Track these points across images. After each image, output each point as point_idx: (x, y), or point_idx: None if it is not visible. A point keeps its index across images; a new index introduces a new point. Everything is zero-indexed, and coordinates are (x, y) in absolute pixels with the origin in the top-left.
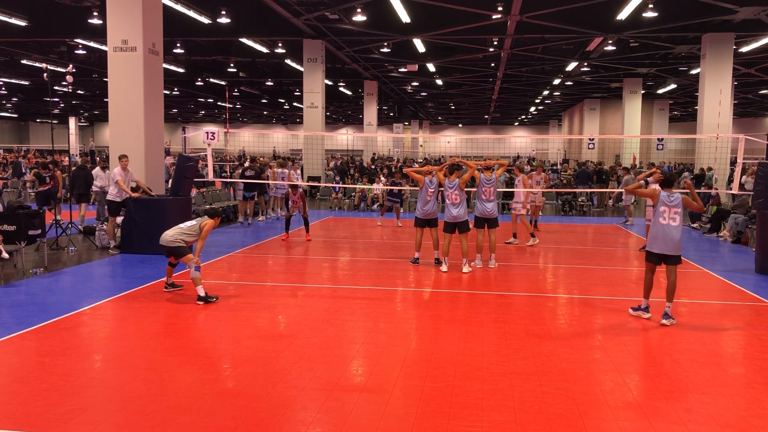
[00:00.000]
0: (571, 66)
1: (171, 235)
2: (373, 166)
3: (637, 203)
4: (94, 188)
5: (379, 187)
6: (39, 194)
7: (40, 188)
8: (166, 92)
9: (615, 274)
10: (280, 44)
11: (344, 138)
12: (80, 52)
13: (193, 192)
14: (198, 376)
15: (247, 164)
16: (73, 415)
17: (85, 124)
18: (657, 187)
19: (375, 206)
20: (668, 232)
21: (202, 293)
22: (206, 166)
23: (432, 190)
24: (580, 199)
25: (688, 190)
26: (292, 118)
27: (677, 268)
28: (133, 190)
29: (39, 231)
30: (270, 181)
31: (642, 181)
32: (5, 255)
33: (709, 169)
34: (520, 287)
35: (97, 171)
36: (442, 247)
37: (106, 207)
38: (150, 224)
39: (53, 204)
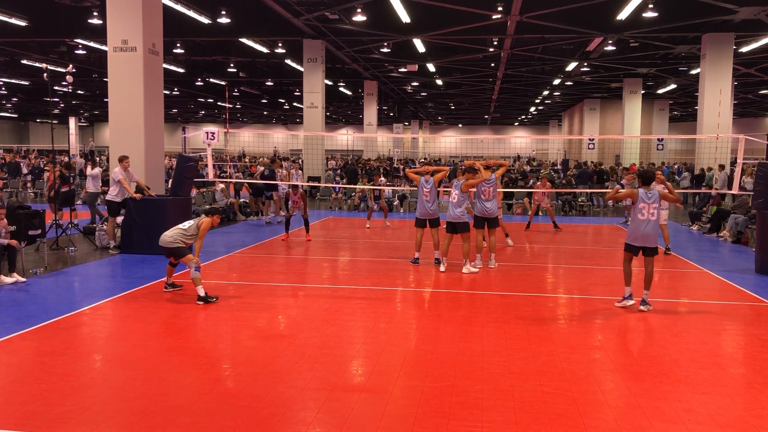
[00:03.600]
0: (571, 66)
1: (170, 235)
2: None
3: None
4: (89, 189)
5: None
6: (65, 194)
7: (63, 188)
8: (166, 92)
9: (615, 274)
10: (280, 44)
11: (344, 138)
12: (80, 52)
13: (193, 192)
14: (198, 376)
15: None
16: (73, 415)
17: (85, 124)
18: (634, 186)
19: (375, 206)
20: (647, 227)
21: (202, 293)
22: (206, 166)
23: (428, 190)
24: (580, 199)
25: (666, 188)
26: (292, 118)
27: (653, 258)
28: (135, 190)
29: (39, 231)
30: (266, 182)
31: (617, 185)
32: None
33: (709, 169)
34: (520, 287)
35: (96, 171)
36: (441, 247)
37: (104, 208)
38: (150, 224)
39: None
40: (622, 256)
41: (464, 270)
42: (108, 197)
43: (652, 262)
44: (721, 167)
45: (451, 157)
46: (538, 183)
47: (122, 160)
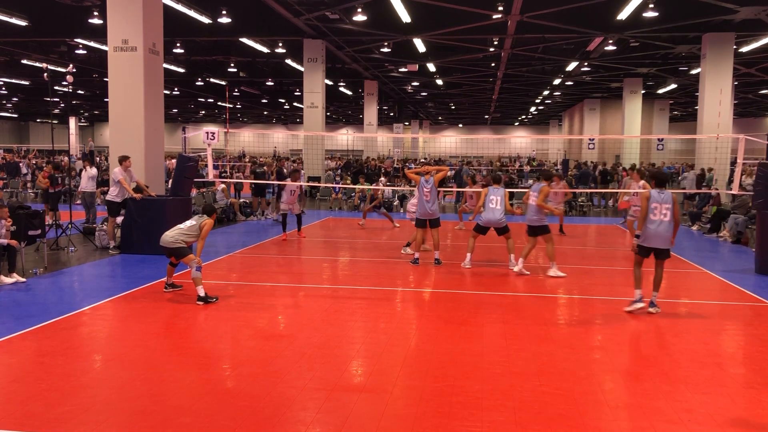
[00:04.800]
0: (571, 66)
1: (171, 236)
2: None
3: None
4: (85, 189)
5: (379, 188)
6: (53, 195)
7: (56, 188)
8: (166, 92)
9: (615, 274)
10: (280, 44)
11: (344, 138)
12: (80, 52)
13: (193, 192)
14: (198, 376)
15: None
16: (73, 415)
17: (85, 124)
18: (644, 189)
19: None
20: (659, 227)
21: (202, 293)
22: (206, 166)
23: (428, 190)
24: (580, 200)
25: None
26: (292, 118)
27: (665, 262)
28: (135, 190)
29: (39, 231)
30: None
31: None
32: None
33: (710, 169)
34: (520, 287)
35: (93, 171)
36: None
37: (104, 208)
38: (150, 224)
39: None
40: (622, 256)
41: (551, 273)
42: (108, 197)
43: (663, 265)
44: (691, 167)
45: (451, 157)
46: (551, 183)
47: (123, 160)
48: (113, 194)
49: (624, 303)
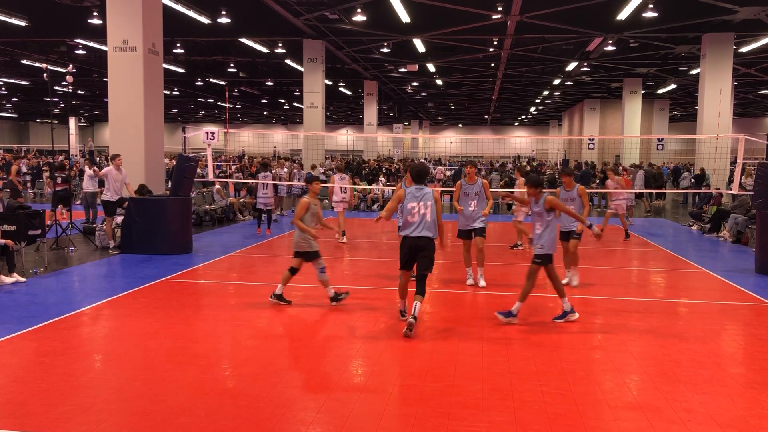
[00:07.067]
0: (571, 66)
1: (294, 240)
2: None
3: (637, 204)
4: (87, 189)
5: (378, 188)
6: (56, 194)
7: (57, 187)
8: (166, 92)
9: (615, 274)
10: (280, 44)
11: (344, 138)
12: (80, 52)
13: (193, 192)
14: (198, 376)
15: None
16: (73, 415)
17: (85, 124)
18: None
19: (375, 206)
20: None
21: (331, 293)
22: (206, 166)
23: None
24: None
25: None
26: (292, 118)
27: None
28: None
29: (39, 231)
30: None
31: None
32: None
33: (700, 169)
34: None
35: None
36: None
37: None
38: (150, 224)
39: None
40: (621, 256)
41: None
42: (103, 197)
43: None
44: (639, 167)
45: (451, 157)
46: (609, 182)
47: (114, 158)
48: (108, 194)
49: (625, 303)
